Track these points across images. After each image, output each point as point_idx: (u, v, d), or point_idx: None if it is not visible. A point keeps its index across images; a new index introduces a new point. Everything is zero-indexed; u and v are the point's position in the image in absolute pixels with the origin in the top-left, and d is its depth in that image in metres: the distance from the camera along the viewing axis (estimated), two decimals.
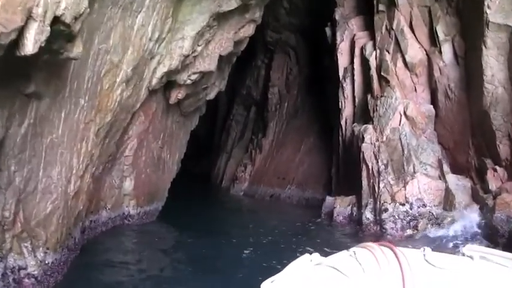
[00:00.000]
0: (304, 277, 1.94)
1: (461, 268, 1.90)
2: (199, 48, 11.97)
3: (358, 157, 14.81)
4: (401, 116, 14.06)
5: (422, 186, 12.76)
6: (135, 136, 12.76)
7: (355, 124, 16.27)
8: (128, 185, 13.22)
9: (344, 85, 17.92)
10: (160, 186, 15.47)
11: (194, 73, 12.82)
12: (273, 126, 25.78)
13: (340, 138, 18.00)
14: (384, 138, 14.04)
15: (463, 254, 2.05)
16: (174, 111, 15.49)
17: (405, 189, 12.79)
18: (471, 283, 1.83)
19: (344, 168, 17.49)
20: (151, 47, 10.32)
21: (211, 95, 16.54)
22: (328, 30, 20.12)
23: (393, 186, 13.07)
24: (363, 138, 14.67)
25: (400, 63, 15.50)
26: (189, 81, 13.02)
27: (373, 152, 14.09)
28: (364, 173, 14.19)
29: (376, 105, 15.16)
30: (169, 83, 13.12)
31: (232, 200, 23.84)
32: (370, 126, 14.77)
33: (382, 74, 15.66)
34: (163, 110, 14.42)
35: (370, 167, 13.95)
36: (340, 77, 18.26)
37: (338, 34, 18.60)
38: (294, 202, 21.25)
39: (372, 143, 14.32)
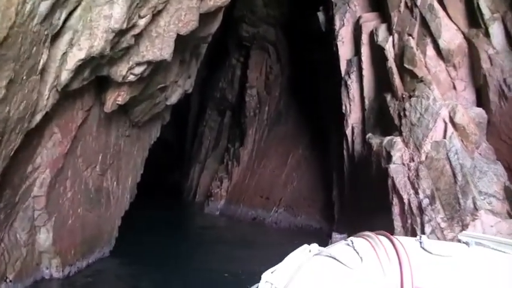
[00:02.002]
0: (303, 267, 1.89)
1: (457, 254, 1.85)
2: (141, 22, 6.89)
3: (382, 183, 9.97)
4: (446, 124, 9.17)
5: (489, 230, 7.92)
6: (47, 165, 7.68)
7: (369, 135, 11.34)
8: (44, 238, 8.14)
9: (348, 83, 12.99)
10: (103, 228, 10.41)
11: (139, 64, 7.81)
12: (252, 133, 20.77)
13: (345, 152, 13.11)
14: (423, 157, 9.16)
15: (459, 241, 2.01)
16: (120, 122, 10.45)
17: None
18: (467, 269, 1.78)
19: (352, 193, 12.61)
20: (45, 13, 5.24)
21: (173, 99, 11.49)
22: (321, 15, 15.21)
23: (445, 231, 8.20)
24: (389, 156, 9.77)
25: (430, 50, 10.61)
26: (131, 77, 8.00)
27: (409, 178, 9.22)
28: (396, 209, 9.24)
29: (404, 110, 10.27)
30: (101, 80, 8.14)
31: (206, 221, 18.61)
32: (398, 140, 9.84)
33: (405, 65, 10.81)
34: (101, 121, 9.39)
35: (405, 200, 9.05)
36: (343, 73, 13.35)
37: (337, 18, 13.66)
38: (283, 228, 16.15)
39: (404, 164, 9.45)
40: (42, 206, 7.76)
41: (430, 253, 1.82)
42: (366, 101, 12.55)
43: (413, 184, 9.20)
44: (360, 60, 12.84)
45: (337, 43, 13.66)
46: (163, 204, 20.18)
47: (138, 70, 7.95)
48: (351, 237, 2.02)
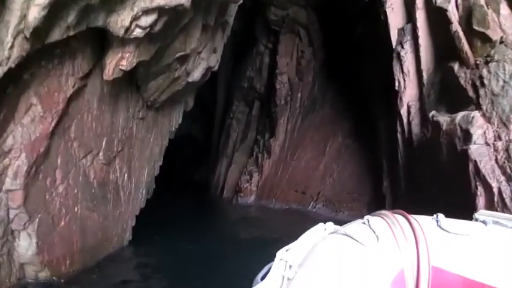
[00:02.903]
0: (318, 245, 1.82)
1: (475, 233, 1.76)
2: None
3: (457, 169, 7.67)
4: None
5: None
6: (22, 148, 5.48)
7: (434, 113, 8.97)
8: (26, 245, 5.94)
9: (402, 54, 10.59)
10: (111, 230, 8.24)
11: (146, 11, 5.56)
12: (284, 123, 18.45)
13: (399, 135, 10.75)
14: None
15: (476, 220, 1.89)
16: (131, 100, 8.27)
17: None
18: (485, 248, 1.70)
19: (411, 184, 10.25)
20: None
21: (196, 74, 9.25)
22: None
23: None
24: (467, 135, 7.43)
25: (505, 8, 8.41)
26: (138, 32, 5.78)
27: (497, 161, 6.88)
28: (481, 201, 6.87)
29: (481, 78, 7.94)
30: (102, 37, 6.01)
31: (236, 215, 16.28)
32: (477, 115, 7.46)
33: (474, 28, 8.47)
34: (104, 97, 7.20)
35: (495, 190, 6.69)
36: (393, 44, 10.98)
37: None
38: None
39: (489, 144, 7.11)
40: (19, 203, 5.58)
41: (447, 232, 1.72)
42: (424, 74, 10.16)
43: (503, 168, 6.87)
44: (414, 28, 10.47)
45: (386, 10, 11.27)
46: (190, 197, 18.05)
47: (146, 21, 5.73)
48: (367, 216, 1.90)
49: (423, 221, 1.80)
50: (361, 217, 1.91)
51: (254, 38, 22.72)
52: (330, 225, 1.99)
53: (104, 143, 7.41)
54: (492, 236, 1.76)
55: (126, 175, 8.44)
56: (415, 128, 10.06)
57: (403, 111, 10.45)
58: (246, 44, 23.31)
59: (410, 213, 1.85)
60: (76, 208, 6.84)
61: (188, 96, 11.77)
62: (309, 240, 1.87)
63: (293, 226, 11.61)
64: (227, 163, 22.97)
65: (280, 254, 1.83)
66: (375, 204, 12.24)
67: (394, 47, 10.96)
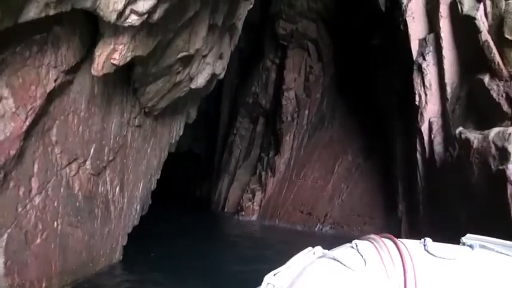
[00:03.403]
0: (306, 269, 1.76)
1: (461, 257, 1.71)
2: None
3: (492, 192, 6.75)
4: None
5: None
6: None
7: (461, 129, 8.02)
8: None
9: (424, 66, 9.69)
10: (97, 250, 7.21)
11: None
12: (290, 140, 17.49)
13: (418, 155, 9.76)
14: None
15: (463, 244, 1.85)
16: (127, 104, 7.31)
17: None
18: (472, 272, 1.64)
19: (432, 208, 9.25)
20: None
21: (200, 81, 8.31)
22: None
23: None
24: (504, 153, 6.52)
25: None
26: (134, 19, 4.83)
27: None
28: None
29: None
30: (93, 27, 5.10)
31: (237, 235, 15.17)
32: None
33: (506, 36, 7.63)
34: (94, 97, 6.23)
35: None
36: (414, 55, 10.11)
37: None
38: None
39: None
40: None
41: (434, 256, 1.70)
42: (448, 88, 9.26)
43: None
44: (438, 37, 9.62)
45: (406, 19, 10.43)
46: (184, 217, 16.97)
47: (144, 6, 4.78)
48: (355, 240, 1.86)
49: (411, 245, 1.78)
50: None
51: (261, 54, 21.92)
52: (318, 249, 1.92)
53: (92, 151, 6.41)
54: (479, 260, 1.73)
55: (117, 188, 7.43)
56: (438, 147, 9.09)
57: (424, 128, 9.49)
58: (252, 60, 22.61)
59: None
60: (55, 223, 5.81)
61: (191, 106, 10.82)
62: (297, 264, 1.83)
63: (297, 248, 10.58)
64: (229, 180, 22.01)
65: (268, 278, 1.76)
66: (389, 228, 11.19)
67: (414, 58, 10.07)
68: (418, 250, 1.74)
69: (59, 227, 5.91)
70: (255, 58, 22.43)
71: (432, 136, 9.26)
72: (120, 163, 7.42)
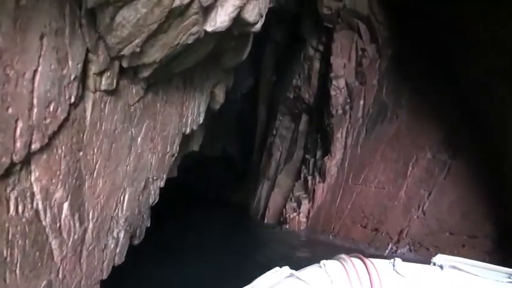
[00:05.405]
0: None
1: (430, 277, 1.75)
2: None
3: None
4: None
5: None
6: None
7: None
8: None
9: None
10: None
11: None
12: (342, 137, 13.64)
13: None
14: None
15: (434, 264, 1.87)
16: (81, 39, 3.65)
17: None
18: None
19: None
20: None
21: (220, 18, 4.63)
22: None
23: None
24: None
25: None
26: None
27: None
28: None
29: None
30: None
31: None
32: None
33: None
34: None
35: None
36: None
37: None
38: None
39: None
40: None
41: (403, 276, 1.69)
42: None
43: None
44: None
45: None
46: (219, 228, 13.44)
47: None
48: (324, 260, 1.86)
49: (379, 265, 1.73)
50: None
51: (301, 43, 18.10)
52: (285, 269, 1.86)
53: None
54: (447, 280, 1.70)
55: (66, 206, 3.80)
56: None
57: None
58: (290, 53, 18.94)
59: None
60: None
61: (215, 82, 7.17)
62: (264, 284, 1.75)
63: None
64: (268, 186, 18.24)
65: None
66: (502, 252, 7.24)
67: None
68: (387, 270, 1.74)
69: None
70: (294, 50, 18.78)
71: None
72: (69, 155, 3.78)
